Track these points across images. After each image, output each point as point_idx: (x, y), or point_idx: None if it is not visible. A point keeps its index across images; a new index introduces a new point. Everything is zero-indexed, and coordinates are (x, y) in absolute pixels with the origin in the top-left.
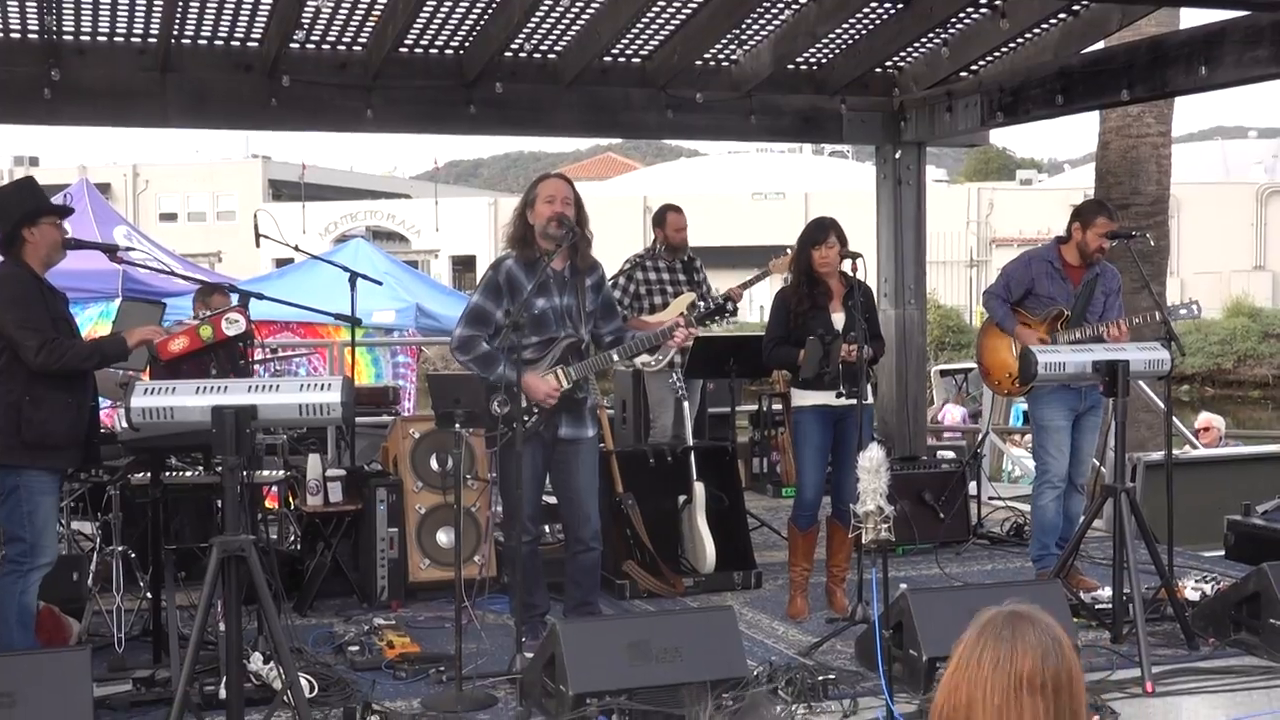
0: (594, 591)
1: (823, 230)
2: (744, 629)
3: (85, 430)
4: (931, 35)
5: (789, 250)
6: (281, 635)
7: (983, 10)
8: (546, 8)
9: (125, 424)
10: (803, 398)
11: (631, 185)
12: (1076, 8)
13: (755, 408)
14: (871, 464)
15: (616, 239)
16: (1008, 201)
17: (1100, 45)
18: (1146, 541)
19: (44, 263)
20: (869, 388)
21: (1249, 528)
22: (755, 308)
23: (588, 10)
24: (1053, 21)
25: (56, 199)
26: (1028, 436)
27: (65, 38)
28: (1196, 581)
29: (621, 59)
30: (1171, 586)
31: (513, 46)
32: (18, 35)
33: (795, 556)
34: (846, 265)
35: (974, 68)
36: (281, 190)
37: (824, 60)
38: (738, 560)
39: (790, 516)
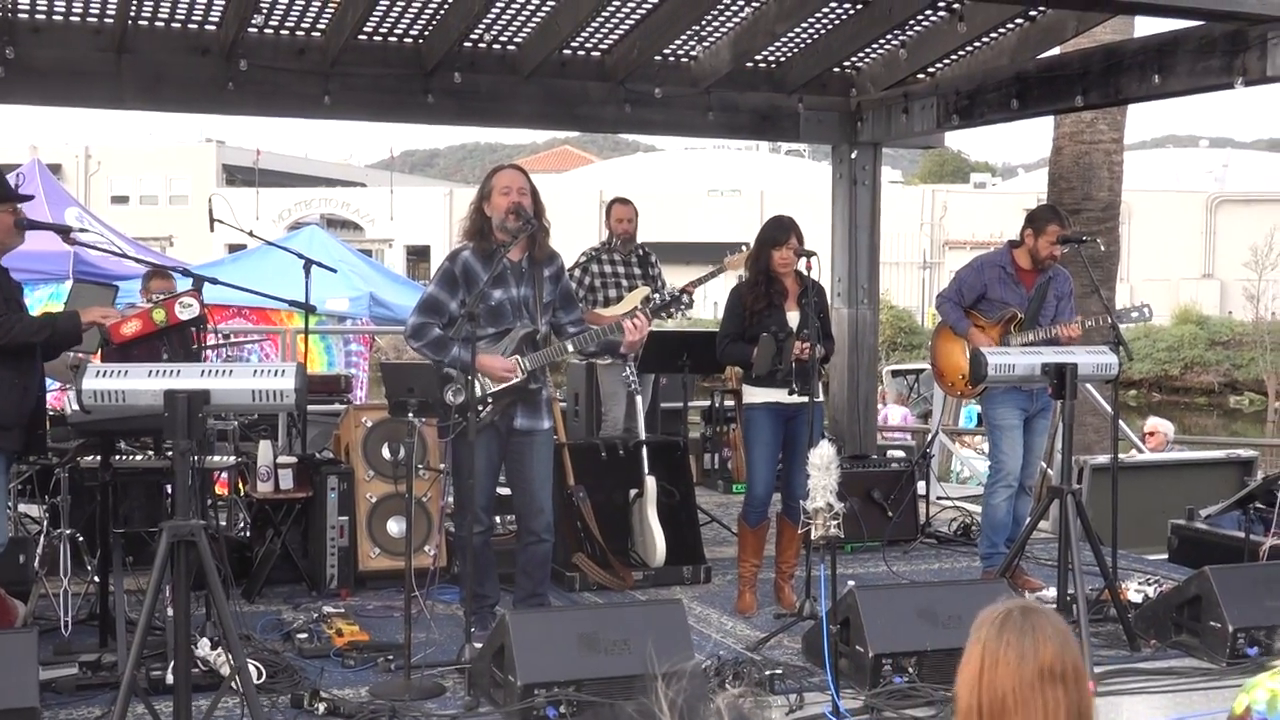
0: (544, 583)
1: (784, 231)
2: (693, 623)
3: (30, 413)
4: (890, 36)
5: (744, 247)
6: (230, 621)
7: (941, 13)
8: None
9: (76, 406)
10: (754, 394)
11: (588, 179)
12: (1034, 13)
13: (707, 404)
14: (822, 461)
15: (572, 232)
16: (961, 204)
17: (1056, 51)
18: (1091, 543)
19: None
20: (820, 386)
21: (1192, 532)
22: (709, 304)
23: (548, 3)
24: (1010, 26)
25: (10, 178)
26: (977, 437)
27: (20, 16)
28: (1139, 584)
29: (581, 52)
30: (1115, 588)
31: (472, 37)
32: None
33: (745, 552)
34: (801, 264)
35: (931, 70)
36: (235, 175)
37: (782, 59)
38: (687, 555)
39: (740, 513)
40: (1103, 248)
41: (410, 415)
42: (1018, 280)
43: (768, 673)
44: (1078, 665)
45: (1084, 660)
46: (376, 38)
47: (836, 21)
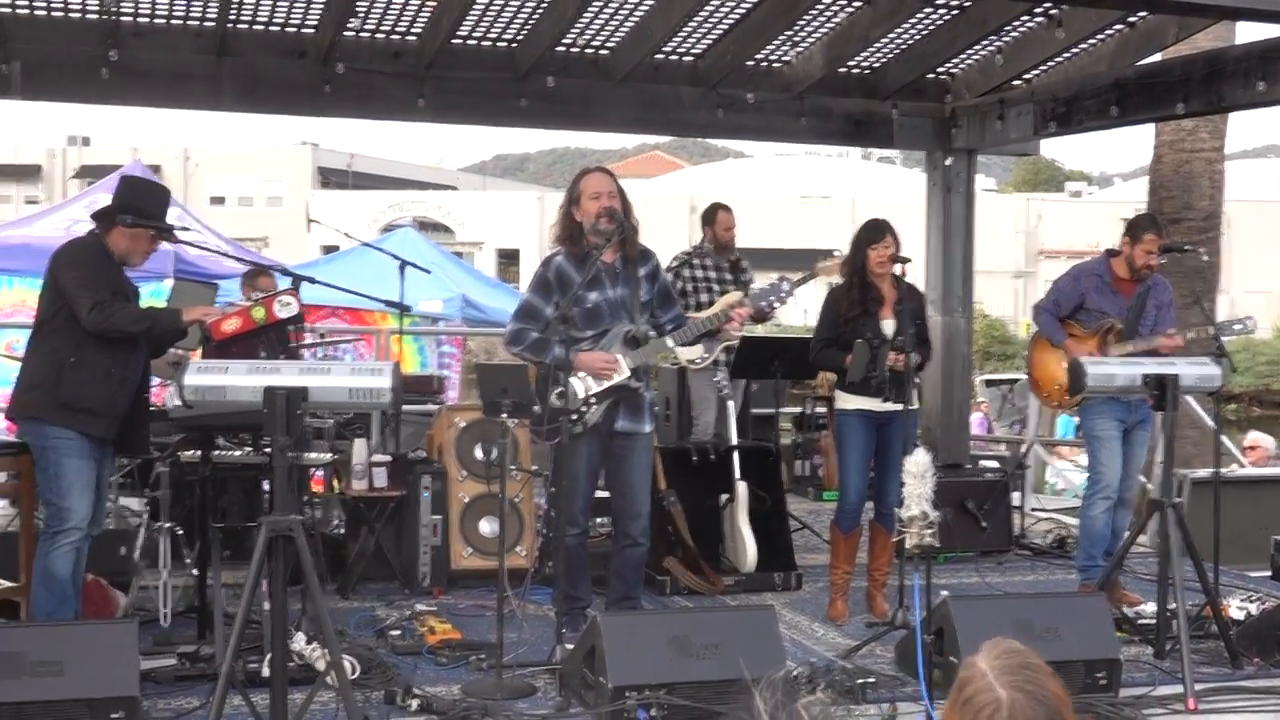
0: (638, 586)
1: (879, 231)
2: (784, 630)
3: (125, 405)
4: (986, 42)
5: (836, 253)
6: (326, 616)
7: (1038, 19)
8: (600, 3)
9: (177, 401)
10: (847, 400)
11: (677, 184)
12: (1133, 19)
13: (799, 410)
14: (917, 469)
15: (661, 237)
16: (1056, 213)
17: (1156, 58)
18: (1192, 558)
19: (121, 254)
20: (915, 394)
21: None
22: (799, 310)
23: (641, 7)
24: (1109, 32)
25: (109, 179)
26: (1073, 449)
27: (124, 19)
28: (1241, 600)
29: (674, 57)
30: (1216, 604)
31: (565, 41)
32: (78, 15)
33: (836, 559)
34: (896, 269)
35: (1028, 76)
36: (329, 178)
37: (876, 64)
38: (778, 561)
39: (833, 519)
40: (1205, 258)
41: (504, 416)
42: (1116, 290)
43: (859, 681)
44: None
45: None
46: (470, 42)
47: (932, 27)
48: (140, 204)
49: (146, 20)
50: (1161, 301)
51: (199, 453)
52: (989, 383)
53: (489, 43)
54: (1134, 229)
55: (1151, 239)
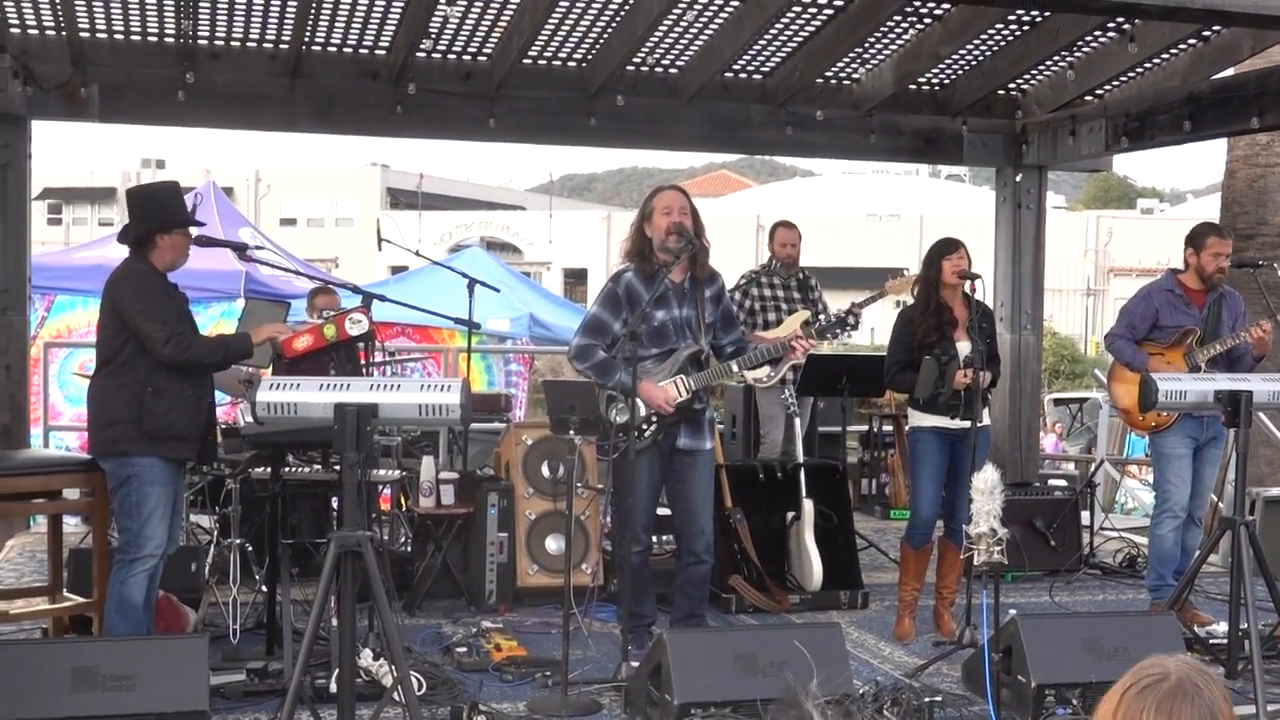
0: (702, 604)
1: (953, 244)
2: (850, 648)
3: (204, 423)
4: (1057, 58)
5: (906, 272)
6: (395, 631)
7: (1110, 34)
8: (670, 23)
9: (249, 418)
10: (920, 418)
11: (745, 203)
12: (1207, 33)
13: (866, 428)
14: (986, 485)
15: (729, 256)
16: (1127, 230)
17: (1230, 72)
18: (1265, 577)
19: (167, 266)
20: (984, 411)
21: None
22: (866, 330)
23: (711, 26)
24: (1182, 46)
25: (188, 199)
26: (1143, 468)
27: (200, 41)
28: None
29: (743, 75)
30: None
31: (635, 60)
32: (155, 38)
33: (906, 576)
34: (966, 286)
35: (1099, 91)
36: (399, 199)
37: (946, 81)
38: (845, 579)
39: (904, 535)
40: None
41: (571, 433)
42: (1189, 302)
43: (927, 700)
44: None
45: None
46: (541, 61)
47: (1002, 43)
48: (164, 211)
49: (222, 43)
50: (1236, 312)
51: (269, 469)
52: (1058, 401)
53: (559, 62)
54: (1195, 238)
55: (1215, 241)
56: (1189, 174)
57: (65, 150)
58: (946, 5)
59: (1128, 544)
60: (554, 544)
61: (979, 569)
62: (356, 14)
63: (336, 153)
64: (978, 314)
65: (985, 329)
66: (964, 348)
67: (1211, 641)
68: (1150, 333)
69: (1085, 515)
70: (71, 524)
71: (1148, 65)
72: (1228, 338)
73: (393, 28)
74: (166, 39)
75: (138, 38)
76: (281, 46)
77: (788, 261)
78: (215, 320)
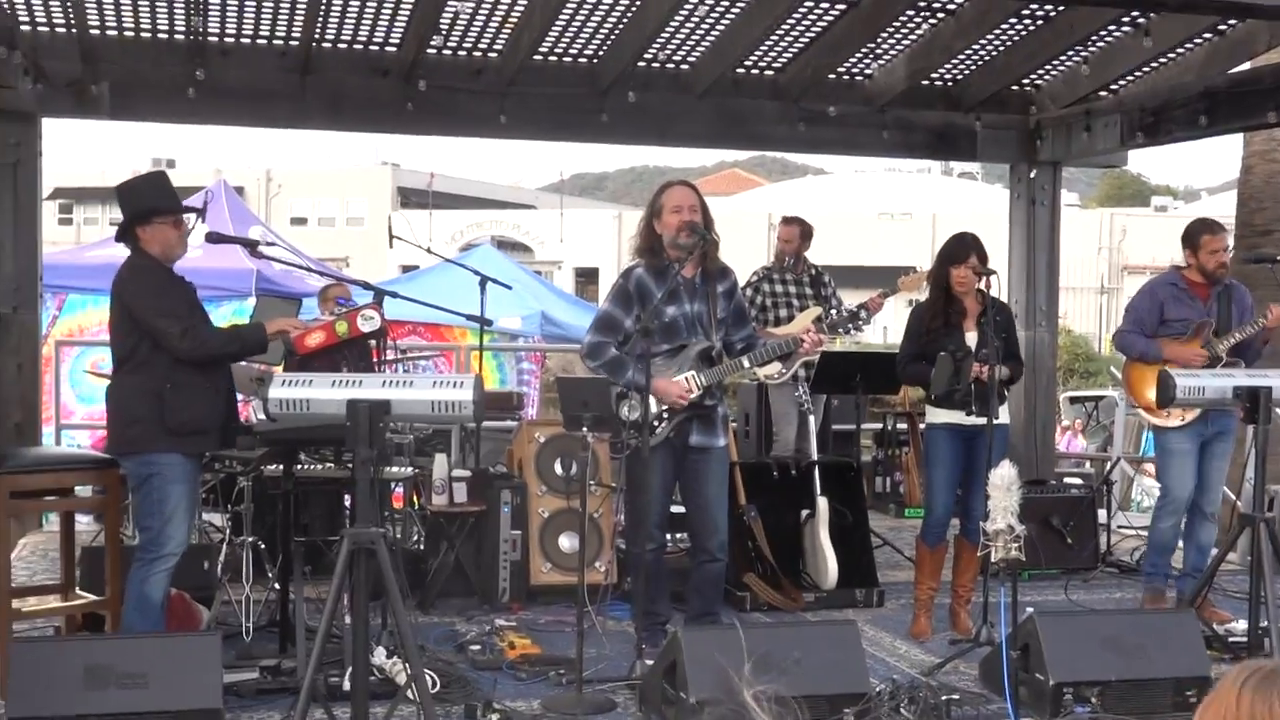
0: (717, 602)
1: (964, 248)
2: (866, 646)
3: (224, 415)
4: (1071, 53)
5: (917, 269)
6: (408, 629)
7: (1125, 28)
8: (681, 18)
9: (261, 415)
10: (935, 415)
11: (756, 201)
12: (1223, 27)
13: (880, 426)
14: (1003, 482)
15: (741, 255)
16: (1141, 228)
17: (1247, 66)
18: None
19: (163, 257)
20: (1002, 408)
21: None
22: (879, 327)
23: (723, 21)
24: (1198, 41)
25: (196, 198)
26: None
27: (210, 39)
28: None
29: (754, 71)
30: None
31: (646, 56)
32: (165, 35)
33: (921, 574)
34: (981, 283)
35: (1114, 87)
36: (410, 198)
37: (959, 76)
38: (860, 577)
39: (918, 533)
40: None
41: (584, 430)
42: (1193, 295)
43: (944, 698)
44: None
45: None
46: (552, 58)
47: (1016, 38)
48: (151, 200)
49: (232, 40)
50: (1243, 306)
51: (282, 467)
52: (1073, 399)
53: (570, 58)
54: (1190, 238)
55: (1209, 238)
56: (1204, 171)
57: (76, 150)
58: (960, 0)
59: (1144, 542)
60: (567, 542)
61: (996, 566)
62: (367, 10)
63: (347, 152)
64: (992, 309)
65: (1000, 323)
66: (972, 338)
67: (1231, 640)
68: (1159, 327)
69: (1102, 513)
70: (84, 522)
71: (1163, 60)
72: (1246, 325)
73: (403, 24)
74: (177, 36)
75: (148, 35)
76: (292, 43)
77: (792, 256)
78: (227, 319)
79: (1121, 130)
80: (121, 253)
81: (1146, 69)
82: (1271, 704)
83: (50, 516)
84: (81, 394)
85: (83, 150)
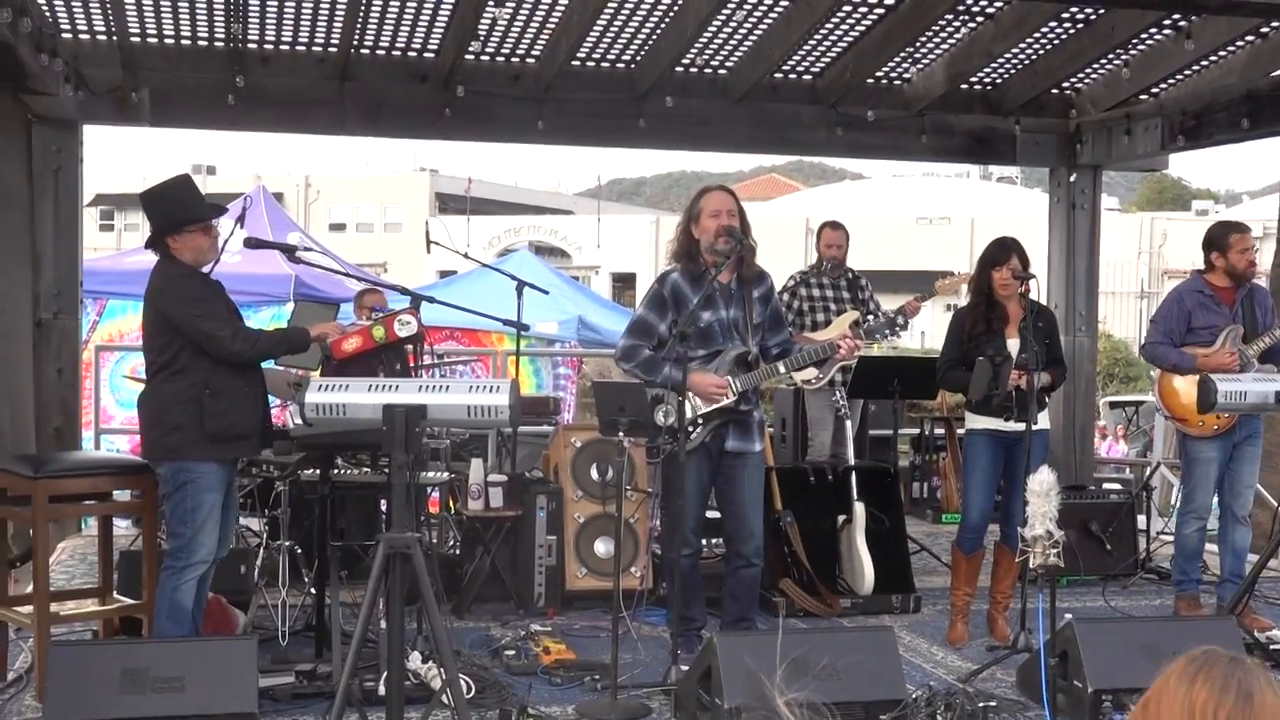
0: (752, 608)
1: (1005, 250)
2: (902, 653)
3: (261, 418)
4: (1111, 56)
5: (956, 273)
6: (444, 634)
7: (1166, 31)
8: (719, 23)
9: (298, 420)
10: (975, 421)
11: (794, 206)
12: (1265, 30)
13: (917, 431)
14: (1041, 488)
15: (778, 260)
16: (1182, 232)
17: None
18: None
19: (195, 263)
20: (1042, 414)
21: None
22: (916, 333)
23: (760, 26)
24: (1240, 44)
25: (235, 205)
26: None
27: (250, 46)
28: None
29: (792, 75)
30: None
31: (684, 61)
32: (205, 42)
33: (958, 580)
34: (1022, 286)
35: (1155, 90)
36: (448, 203)
37: (999, 80)
38: (897, 583)
39: (954, 539)
40: None
41: (620, 435)
42: (1219, 301)
43: (981, 705)
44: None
45: None
46: (589, 63)
47: (1056, 41)
48: (179, 210)
49: (272, 47)
50: (1265, 307)
51: (318, 472)
52: (1113, 405)
53: (608, 64)
54: (1218, 240)
55: (1238, 238)
56: (1245, 175)
57: (118, 157)
58: (999, 3)
59: None
60: (603, 547)
61: (1034, 572)
62: (405, 17)
63: (385, 158)
64: (1033, 314)
65: (1042, 328)
66: (1013, 344)
67: (1272, 647)
68: (1185, 337)
69: (1141, 519)
70: (121, 527)
71: (1205, 63)
72: (1275, 329)
73: (441, 30)
74: (216, 43)
75: (188, 42)
76: (330, 50)
77: (834, 262)
78: (266, 325)
79: (1162, 133)
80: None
81: (1188, 72)
82: (1219, 684)
83: (89, 521)
84: (121, 399)
85: (124, 157)
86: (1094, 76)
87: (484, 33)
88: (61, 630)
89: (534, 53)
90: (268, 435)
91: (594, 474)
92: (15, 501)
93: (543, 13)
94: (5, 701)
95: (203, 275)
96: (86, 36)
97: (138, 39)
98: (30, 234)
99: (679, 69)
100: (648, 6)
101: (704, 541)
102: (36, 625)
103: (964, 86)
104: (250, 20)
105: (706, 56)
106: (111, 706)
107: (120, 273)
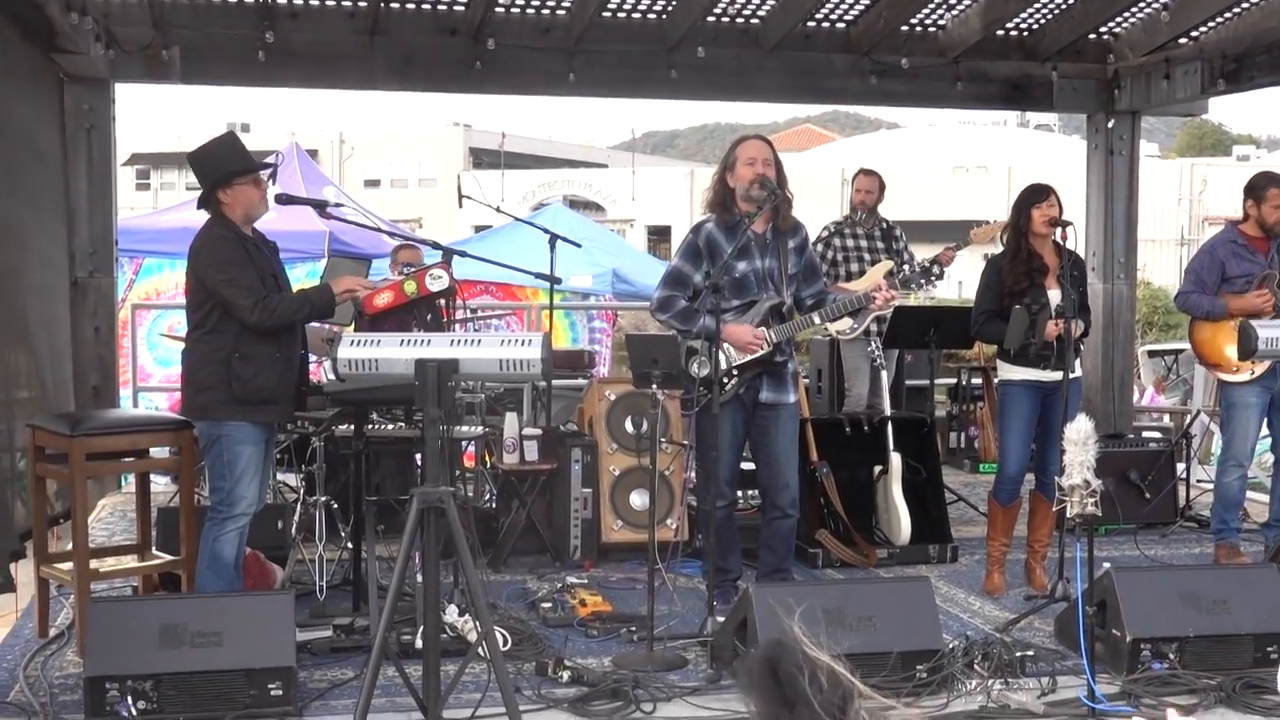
0: (788, 559)
1: (1043, 191)
2: (939, 603)
3: (295, 383)
4: None
5: (991, 221)
6: (479, 587)
7: None
8: None
9: (331, 376)
10: (1011, 371)
11: (829, 157)
12: None
13: (954, 381)
14: (1079, 436)
15: (814, 210)
16: (1223, 178)
17: None
18: None
19: (244, 219)
20: (1076, 362)
21: None
22: (953, 282)
23: None
24: None
25: (270, 159)
26: None
27: (279, 1)
28: None
29: (825, 24)
30: None
31: (715, 11)
32: None
33: (994, 531)
34: (1057, 234)
35: (1195, 34)
36: (481, 158)
37: (1035, 26)
38: (934, 533)
39: (991, 490)
40: None
41: (654, 387)
42: (1253, 250)
43: (1018, 654)
44: None
45: None
46: (620, 14)
47: None
48: (219, 165)
49: (301, 2)
50: None
51: (353, 427)
52: (1152, 353)
53: (639, 15)
54: (1255, 189)
55: (1275, 192)
56: None
57: (153, 115)
58: None
59: None
60: (638, 499)
61: (1072, 521)
62: None
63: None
64: (1069, 262)
65: (1076, 277)
66: (1054, 296)
67: None
68: (1221, 285)
69: (1181, 467)
70: (161, 483)
71: (1245, 5)
72: None
73: None
74: None
75: None
76: (360, 4)
77: (865, 209)
78: (300, 281)
79: (1202, 78)
80: (199, 217)
81: (1229, 14)
82: None
83: (128, 478)
84: (158, 357)
85: (159, 115)
86: (1132, 21)
87: None
88: (102, 586)
89: (564, 5)
90: (302, 397)
91: (629, 427)
92: (54, 459)
93: None
94: (48, 657)
95: (244, 239)
96: None
97: None
98: (65, 193)
99: (710, 19)
100: None
101: (740, 493)
102: (77, 582)
103: (1000, 33)
104: None
105: (738, 6)
106: (151, 661)
107: (156, 231)
